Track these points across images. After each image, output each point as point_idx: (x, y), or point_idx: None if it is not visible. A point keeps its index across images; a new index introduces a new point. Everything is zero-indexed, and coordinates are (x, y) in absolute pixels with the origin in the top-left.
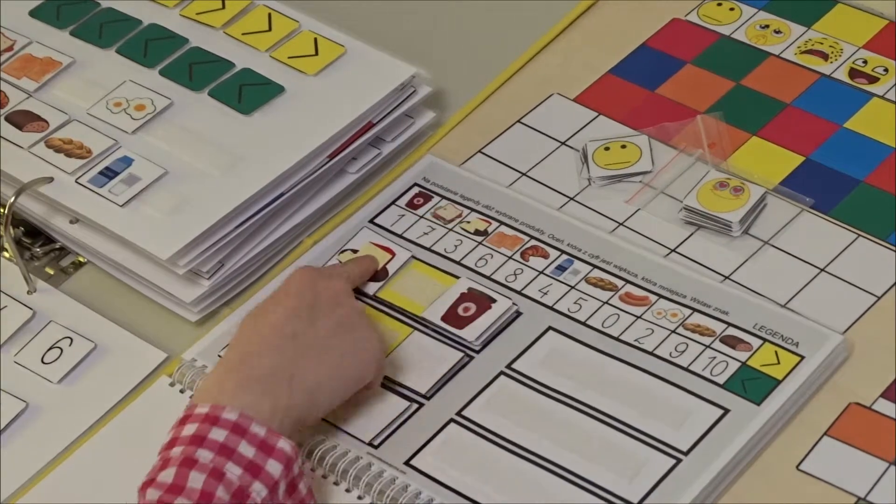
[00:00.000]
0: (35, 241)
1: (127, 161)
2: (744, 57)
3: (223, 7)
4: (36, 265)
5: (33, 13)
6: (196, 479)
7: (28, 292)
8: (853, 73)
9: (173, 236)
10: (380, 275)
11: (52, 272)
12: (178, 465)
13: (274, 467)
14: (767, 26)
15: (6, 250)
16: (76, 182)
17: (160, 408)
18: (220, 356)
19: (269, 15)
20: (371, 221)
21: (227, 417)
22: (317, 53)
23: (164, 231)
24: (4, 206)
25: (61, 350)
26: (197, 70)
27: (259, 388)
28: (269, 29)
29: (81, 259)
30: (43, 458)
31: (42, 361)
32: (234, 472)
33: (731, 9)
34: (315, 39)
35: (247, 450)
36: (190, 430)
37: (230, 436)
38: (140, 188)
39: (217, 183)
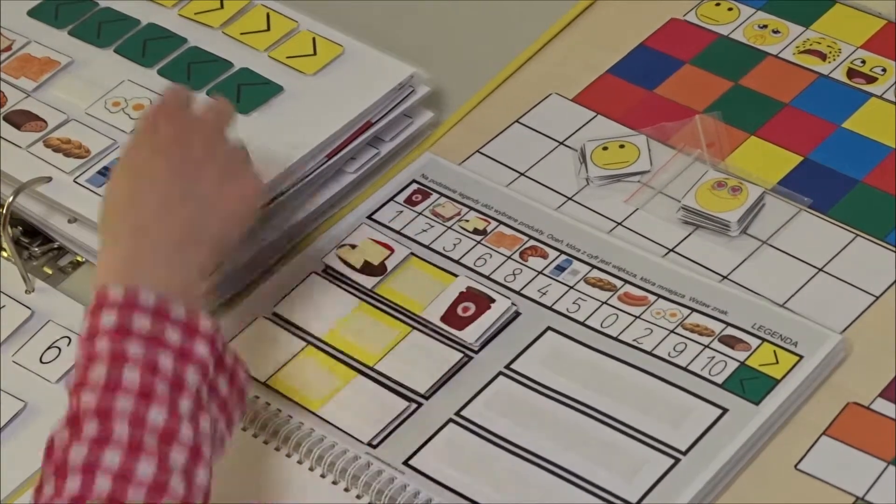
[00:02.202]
0: (33, 241)
1: None
2: (742, 57)
3: (221, 7)
4: (34, 265)
5: (32, 13)
6: (131, 376)
7: (26, 292)
8: (851, 72)
9: None
10: (378, 270)
11: (50, 272)
12: (109, 362)
13: (201, 349)
14: (766, 26)
15: (4, 250)
16: (74, 182)
17: None
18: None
19: (268, 15)
20: (369, 217)
21: (146, 302)
22: (315, 53)
23: None
24: (3, 206)
25: (60, 349)
26: (195, 70)
27: (165, 259)
28: (268, 29)
29: (80, 258)
30: (42, 457)
31: (40, 361)
32: (166, 363)
33: (730, 9)
34: (313, 39)
35: (172, 335)
36: (110, 320)
37: (154, 323)
38: None
39: None
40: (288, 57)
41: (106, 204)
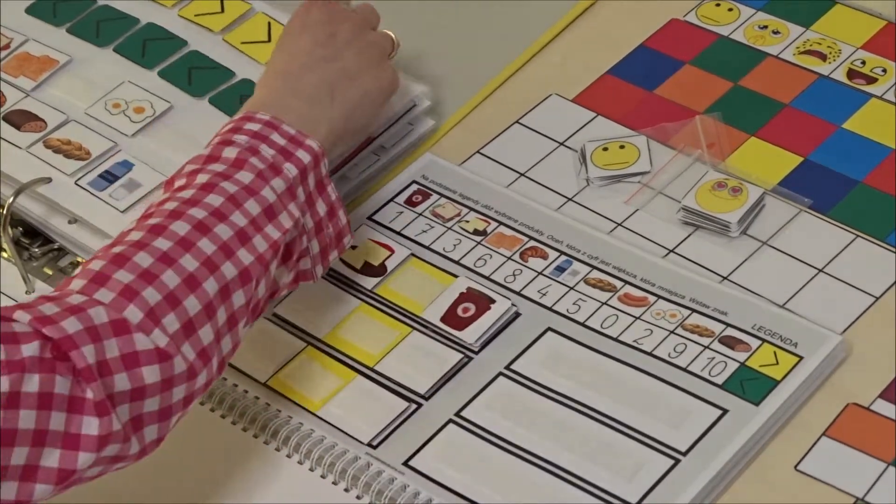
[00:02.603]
0: (33, 242)
1: (127, 165)
2: (742, 57)
3: (222, 10)
4: (34, 265)
5: (29, 10)
6: (230, 152)
7: (26, 292)
8: (851, 73)
9: None
10: (378, 271)
11: (50, 272)
12: (215, 145)
13: (303, 155)
14: (766, 27)
15: (4, 250)
16: (76, 184)
17: None
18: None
19: (269, 24)
20: (369, 218)
21: (261, 117)
22: None
23: None
24: (3, 207)
25: None
26: (196, 75)
27: (303, 99)
28: (269, 39)
29: (80, 259)
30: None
31: None
32: (267, 151)
33: (730, 9)
34: None
35: (278, 139)
36: (227, 125)
37: (263, 128)
38: (141, 194)
39: None
40: None
41: (267, 64)
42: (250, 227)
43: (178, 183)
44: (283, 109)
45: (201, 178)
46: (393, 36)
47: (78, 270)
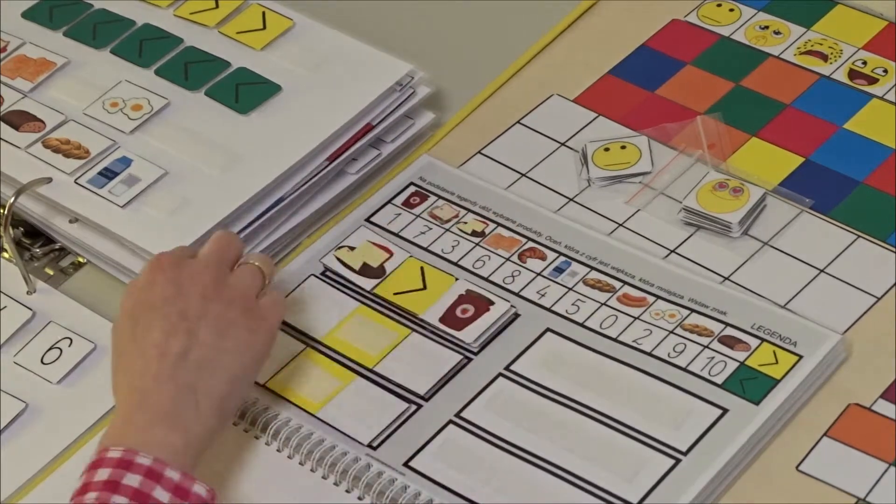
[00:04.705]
0: (35, 242)
1: (126, 161)
2: (743, 58)
3: (216, 6)
4: (35, 265)
5: (26, 14)
6: None
7: (28, 293)
8: (853, 73)
9: (175, 237)
10: (377, 272)
11: (51, 272)
12: None
13: None
14: (767, 27)
15: (6, 251)
16: (75, 182)
17: None
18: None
19: (263, 14)
20: (367, 220)
21: (141, 462)
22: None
23: (165, 232)
24: (4, 207)
25: (61, 350)
26: (192, 69)
27: (167, 423)
28: (264, 27)
29: (81, 259)
30: (43, 458)
31: (42, 362)
32: None
33: (731, 10)
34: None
35: (162, 495)
36: (103, 475)
37: (144, 481)
38: (140, 189)
39: (217, 183)
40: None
41: (112, 360)
42: None
43: None
44: (148, 443)
45: None
46: (260, 265)
47: None
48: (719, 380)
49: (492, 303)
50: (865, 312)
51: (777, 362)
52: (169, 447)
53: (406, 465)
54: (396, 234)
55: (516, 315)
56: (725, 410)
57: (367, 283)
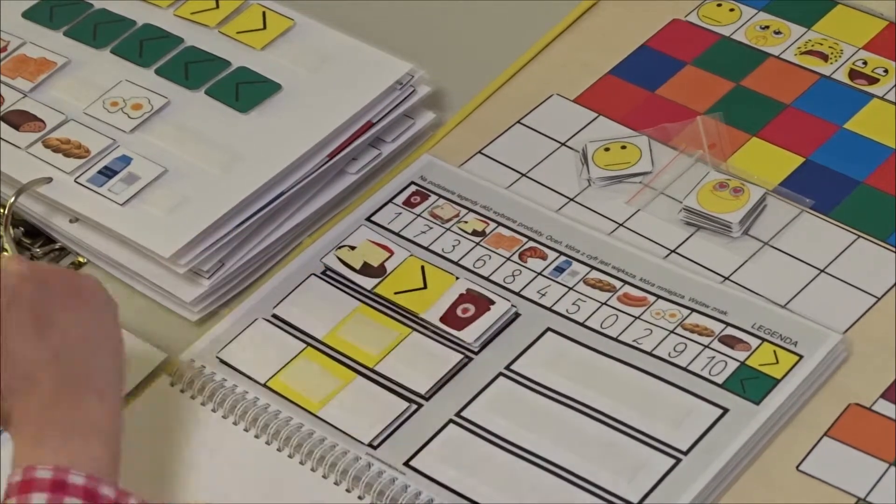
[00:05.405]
0: (35, 242)
1: (126, 160)
2: (744, 58)
3: (217, 6)
4: None
5: (26, 14)
6: None
7: None
8: (853, 73)
9: (175, 234)
10: (377, 272)
11: None
12: None
13: None
14: (767, 27)
15: (6, 250)
16: (75, 182)
17: (160, 408)
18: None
19: (264, 13)
20: (368, 219)
21: (76, 482)
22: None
23: (165, 229)
24: (4, 207)
25: None
26: (193, 69)
27: (78, 432)
28: (264, 27)
29: (81, 259)
30: None
31: None
32: None
33: (731, 9)
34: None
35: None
36: (40, 499)
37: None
38: (140, 187)
39: (217, 181)
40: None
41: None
42: None
43: None
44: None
45: None
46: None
47: None
48: (720, 379)
49: (492, 302)
50: (866, 312)
51: (777, 362)
52: (90, 453)
53: (406, 464)
54: (397, 234)
55: (517, 314)
56: (726, 410)
57: (367, 283)
